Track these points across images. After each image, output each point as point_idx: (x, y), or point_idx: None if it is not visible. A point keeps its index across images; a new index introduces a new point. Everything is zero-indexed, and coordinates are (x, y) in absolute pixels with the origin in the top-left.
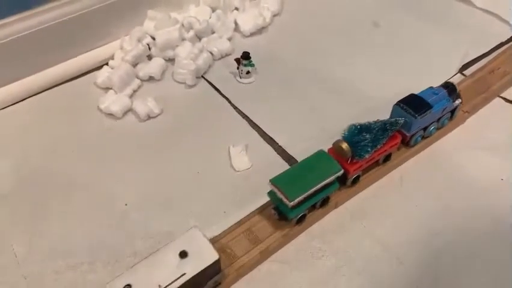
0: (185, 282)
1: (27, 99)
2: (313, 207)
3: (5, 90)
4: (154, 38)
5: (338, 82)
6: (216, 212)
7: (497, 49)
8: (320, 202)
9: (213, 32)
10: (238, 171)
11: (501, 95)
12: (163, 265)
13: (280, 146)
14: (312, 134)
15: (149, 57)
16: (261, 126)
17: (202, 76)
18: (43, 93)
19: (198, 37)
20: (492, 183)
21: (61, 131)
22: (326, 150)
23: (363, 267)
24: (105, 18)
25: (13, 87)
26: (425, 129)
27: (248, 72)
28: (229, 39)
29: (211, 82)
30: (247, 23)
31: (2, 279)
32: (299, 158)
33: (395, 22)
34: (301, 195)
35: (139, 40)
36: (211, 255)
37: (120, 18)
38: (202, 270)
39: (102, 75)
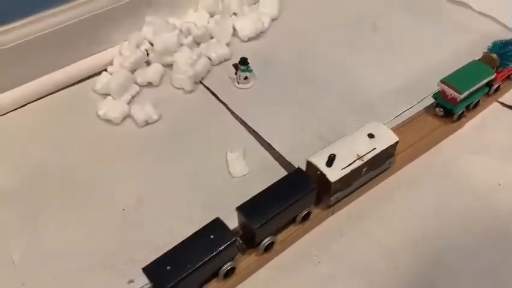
0: (375, 156)
1: (26, 106)
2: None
3: (4, 96)
4: (152, 44)
5: (338, 86)
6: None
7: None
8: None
9: (211, 37)
10: (235, 177)
11: (499, 100)
12: (356, 143)
13: (278, 152)
14: (311, 140)
15: (148, 63)
16: (258, 132)
17: (201, 81)
18: (42, 99)
19: (196, 42)
20: (490, 188)
21: (60, 137)
22: None
23: (360, 272)
24: (103, 24)
25: (12, 93)
26: None
27: (246, 78)
28: (228, 44)
29: (209, 88)
30: (246, 27)
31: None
32: (297, 164)
33: (393, 25)
34: (468, 90)
35: (138, 46)
36: (392, 138)
37: (118, 24)
38: (386, 148)
39: (100, 81)
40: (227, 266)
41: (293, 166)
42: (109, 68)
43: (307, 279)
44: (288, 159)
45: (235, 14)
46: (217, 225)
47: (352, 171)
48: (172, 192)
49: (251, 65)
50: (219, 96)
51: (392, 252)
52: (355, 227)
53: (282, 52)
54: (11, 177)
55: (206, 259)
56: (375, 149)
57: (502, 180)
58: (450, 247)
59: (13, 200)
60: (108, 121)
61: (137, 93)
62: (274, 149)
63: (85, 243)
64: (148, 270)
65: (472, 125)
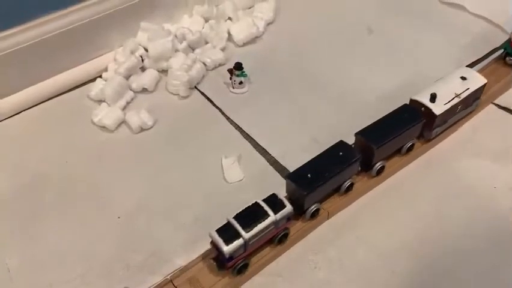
0: (468, 94)
1: (22, 113)
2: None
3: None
4: (147, 50)
5: (333, 90)
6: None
7: (490, 55)
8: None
9: (206, 43)
10: (230, 183)
11: (494, 102)
12: (452, 84)
13: (273, 157)
14: (306, 144)
15: (143, 69)
16: (253, 137)
17: (196, 87)
18: (37, 106)
19: (191, 48)
20: (486, 191)
21: (55, 144)
22: None
23: (356, 277)
24: (98, 30)
25: (8, 101)
26: None
27: (241, 83)
28: (223, 49)
29: (205, 93)
30: (241, 32)
31: None
32: (292, 169)
33: (388, 28)
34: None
35: (132, 52)
36: (481, 80)
37: (113, 30)
38: (477, 88)
39: (95, 87)
40: (348, 182)
41: (288, 170)
42: (104, 75)
43: (303, 284)
44: (283, 164)
45: (230, 18)
46: (343, 145)
47: (452, 106)
48: (167, 199)
49: (246, 70)
50: (214, 101)
51: (388, 256)
52: (351, 232)
53: (277, 57)
54: (6, 185)
55: (338, 171)
56: (468, 88)
57: (497, 183)
58: (447, 251)
59: (8, 207)
60: (103, 128)
61: (132, 99)
62: (270, 154)
63: (80, 251)
64: (292, 176)
65: (468, 127)
